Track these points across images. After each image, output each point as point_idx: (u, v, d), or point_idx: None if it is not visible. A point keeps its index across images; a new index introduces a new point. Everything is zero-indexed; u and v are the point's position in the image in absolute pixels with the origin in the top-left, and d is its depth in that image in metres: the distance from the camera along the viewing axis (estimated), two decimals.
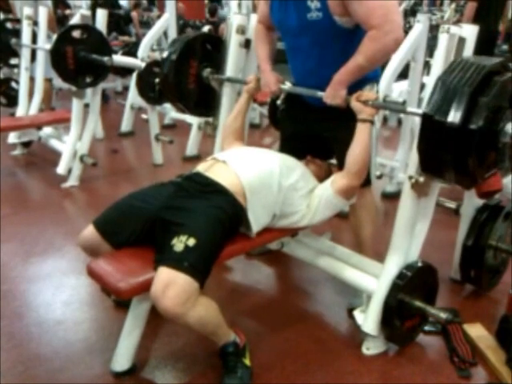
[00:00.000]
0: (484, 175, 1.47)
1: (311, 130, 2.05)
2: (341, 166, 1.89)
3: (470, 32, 1.72)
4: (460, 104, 1.34)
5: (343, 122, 1.83)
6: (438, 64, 1.72)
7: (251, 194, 1.72)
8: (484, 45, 1.78)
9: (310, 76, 1.93)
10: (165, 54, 2.27)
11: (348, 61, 1.74)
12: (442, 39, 1.72)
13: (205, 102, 2.43)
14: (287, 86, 2.03)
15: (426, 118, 1.41)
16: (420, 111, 1.48)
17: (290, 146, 2.13)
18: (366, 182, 2.01)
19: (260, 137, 5.23)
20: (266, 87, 2.06)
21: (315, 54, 1.85)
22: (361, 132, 1.76)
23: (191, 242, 1.51)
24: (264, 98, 4.61)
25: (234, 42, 2.31)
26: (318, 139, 2.06)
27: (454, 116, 1.34)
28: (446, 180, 1.51)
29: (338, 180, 1.82)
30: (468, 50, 1.71)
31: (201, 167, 1.84)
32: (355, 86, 1.80)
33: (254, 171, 1.76)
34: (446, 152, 1.39)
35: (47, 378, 1.70)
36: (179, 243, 1.50)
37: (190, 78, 2.30)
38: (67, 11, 6.74)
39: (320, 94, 1.84)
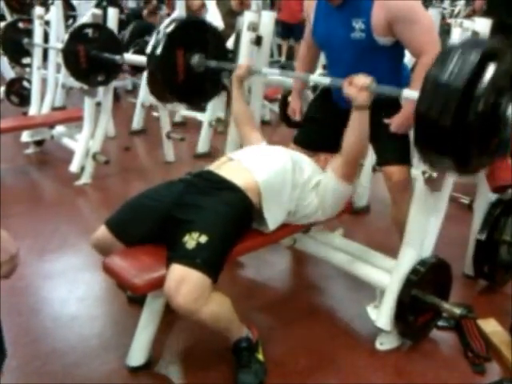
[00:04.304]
0: (480, 159, 1.36)
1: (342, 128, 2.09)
2: (380, 161, 1.96)
3: (483, 26, 1.70)
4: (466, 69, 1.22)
5: (378, 116, 1.89)
6: None
7: (267, 192, 1.73)
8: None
9: None
10: (148, 49, 2.15)
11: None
12: (455, 33, 1.71)
13: (198, 91, 2.33)
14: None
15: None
16: (416, 94, 1.37)
17: (310, 130, 2.19)
18: (406, 161, 1.96)
19: (270, 134, 5.22)
20: (291, 111, 2.30)
21: (355, 69, 1.89)
22: (356, 119, 1.70)
23: (203, 238, 1.52)
24: (274, 95, 4.61)
25: (245, 39, 2.31)
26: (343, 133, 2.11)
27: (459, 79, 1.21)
28: (440, 157, 1.38)
29: (337, 167, 1.82)
30: None
31: (213, 165, 1.86)
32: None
33: (268, 169, 1.77)
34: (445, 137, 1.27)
35: (63, 373, 1.72)
36: (191, 240, 1.52)
37: (178, 69, 2.16)
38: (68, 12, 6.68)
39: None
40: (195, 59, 2.20)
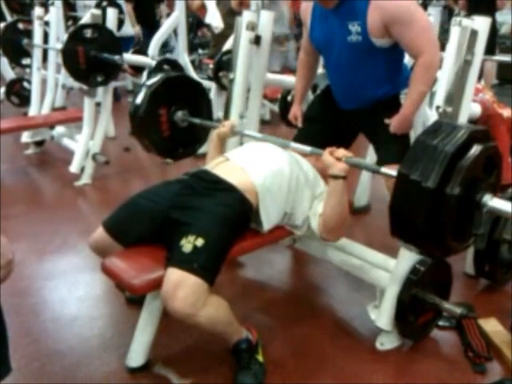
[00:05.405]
0: (457, 247, 1.31)
1: (342, 128, 2.12)
2: (380, 161, 1.94)
3: (482, 24, 1.70)
4: (438, 165, 1.18)
5: (378, 116, 1.92)
6: (450, 57, 1.71)
7: (263, 193, 1.72)
8: None
9: (348, 92, 2.02)
10: (135, 102, 2.11)
11: (410, 91, 1.83)
12: (454, 32, 1.70)
13: (186, 143, 2.32)
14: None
15: (400, 177, 1.26)
16: (394, 172, 1.32)
17: (310, 130, 2.18)
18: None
19: (270, 134, 5.22)
20: (292, 116, 2.25)
21: (353, 71, 1.94)
22: (333, 189, 1.66)
23: (199, 242, 1.51)
24: (274, 95, 4.61)
25: (243, 39, 2.31)
26: (343, 133, 2.14)
27: (431, 178, 1.18)
28: (416, 247, 1.38)
29: (319, 225, 1.76)
30: (480, 43, 1.69)
31: (209, 165, 1.85)
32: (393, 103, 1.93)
33: (265, 170, 1.76)
34: (420, 215, 1.23)
35: (64, 374, 1.73)
36: (188, 244, 1.51)
37: (162, 126, 2.16)
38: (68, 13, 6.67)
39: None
40: (178, 116, 2.17)
